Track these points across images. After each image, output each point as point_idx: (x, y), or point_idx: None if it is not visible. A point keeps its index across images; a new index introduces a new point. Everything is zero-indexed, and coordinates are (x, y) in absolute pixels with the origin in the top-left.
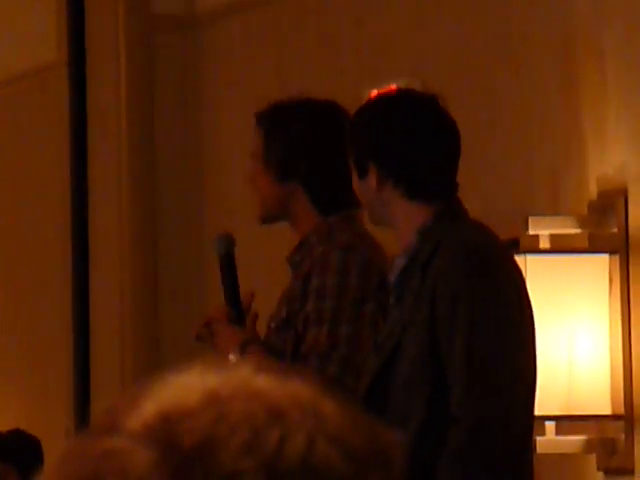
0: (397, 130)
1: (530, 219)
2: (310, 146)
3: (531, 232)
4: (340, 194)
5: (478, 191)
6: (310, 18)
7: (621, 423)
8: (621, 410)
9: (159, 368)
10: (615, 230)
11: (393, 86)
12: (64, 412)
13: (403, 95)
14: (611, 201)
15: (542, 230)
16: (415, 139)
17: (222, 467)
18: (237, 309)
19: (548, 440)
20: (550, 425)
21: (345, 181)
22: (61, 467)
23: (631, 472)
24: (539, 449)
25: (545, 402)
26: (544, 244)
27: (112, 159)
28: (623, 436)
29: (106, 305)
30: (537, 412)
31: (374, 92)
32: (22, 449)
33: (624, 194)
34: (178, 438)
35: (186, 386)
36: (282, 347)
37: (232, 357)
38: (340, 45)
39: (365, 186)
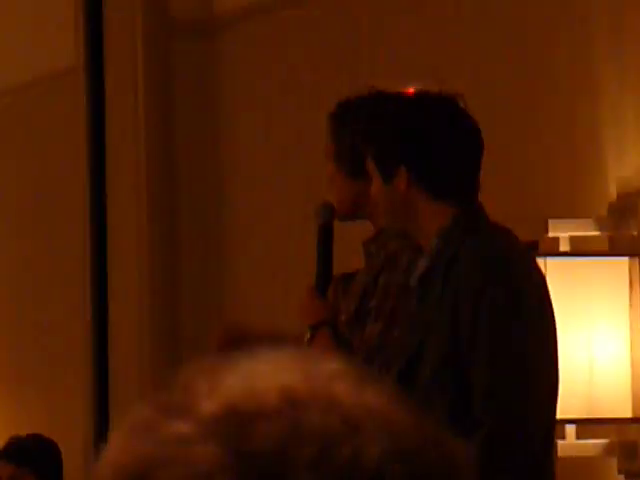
0: (427, 132)
1: (550, 222)
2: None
3: (551, 235)
4: None
5: (498, 194)
6: (328, 21)
7: None
8: None
9: (178, 370)
10: (635, 233)
11: (410, 89)
12: (83, 416)
13: (427, 97)
14: (631, 203)
15: (562, 233)
16: (444, 141)
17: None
18: (326, 282)
19: (569, 444)
20: (571, 428)
21: None
22: (126, 440)
23: None
24: (560, 453)
25: (566, 405)
26: (564, 247)
27: (130, 164)
28: None
29: (125, 307)
30: (558, 415)
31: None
32: (40, 454)
33: None
34: (249, 440)
35: (262, 378)
36: (351, 341)
37: (308, 334)
38: (357, 48)
39: (391, 189)
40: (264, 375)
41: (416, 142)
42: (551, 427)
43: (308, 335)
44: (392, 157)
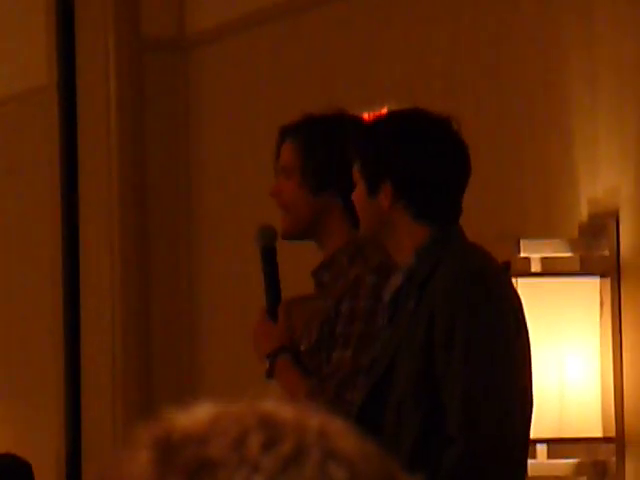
0: (417, 150)
1: (522, 242)
2: (346, 157)
3: (522, 255)
4: None
5: (470, 213)
6: (302, 39)
7: (612, 446)
8: (612, 433)
9: (150, 389)
10: (606, 253)
11: (384, 109)
12: (55, 436)
13: (420, 115)
14: (602, 224)
15: (533, 253)
16: (433, 161)
17: (205, 456)
18: (276, 305)
19: (540, 463)
20: (542, 448)
21: None
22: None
23: None
24: (531, 472)
25: (536, 425)
26: (535, 267)
27: (103, 179)
28: (614, 459)
29: (97, 327)
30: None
31: (366, 115)
32: (13, 472)
33: (615, 216)
34: (172, 437)
35: (202, 408)
36: (315, 371)
37: (266, 361)
38: (331, 67)
39: (375, 203)
40: (195, 411)
41: (405, 161)
42: (525, 446)
43: (267, 364)
44: (379, 172)
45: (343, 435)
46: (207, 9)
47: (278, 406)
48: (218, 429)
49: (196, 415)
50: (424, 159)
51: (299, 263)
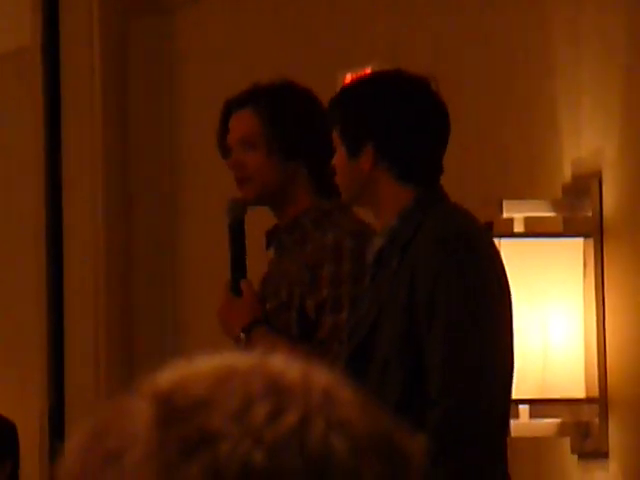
0: (398, 111)
1: (504, 202)
2: (312, 125)
3: (505, 215)
4: (332, 177)
5: (452, 174)
6: (286, 2)
7: (595, 407)
8: (595, 394)
9: (133, 353)
10: (589, 214)
11: (367, 69)
12: (38, 396)
13: (399, 76)
14: (586, 185)
15: (516, 213)
16: (415, 121)
17: (207, 427)
18: (239, 278)
19: (522, 423)
20: (524, 409)
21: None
22: (89, 421)
23: (605, 455)
24: (513, 432)
25: (519, 386)
26: (518, 228)
27: (86, 143)
28: (597, 420)
29: (80, 287)
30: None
31: (348, 77)
32: None
33: (599, 178)
34: (175, 397)
35: (206, 361)
36: (283, 329)
37: (242, 336)
38: (315, 28)
39: (356, 165)
40: (209, 361)
41: (387, 122)
42: (506, 410)
43: (243, 337)
44: (361, 134)
45: (346, 400)
46: None
47: (286, 365)
48: (223, 393)
49: (202, 372)
50: (405, 120)
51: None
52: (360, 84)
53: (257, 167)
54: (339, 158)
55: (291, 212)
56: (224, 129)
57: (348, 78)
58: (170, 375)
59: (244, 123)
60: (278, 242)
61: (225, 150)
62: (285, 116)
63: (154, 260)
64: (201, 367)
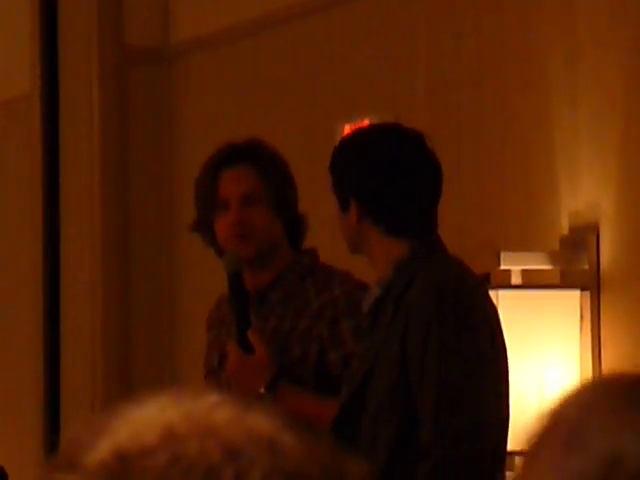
0: (379, 168)
1: (502, 254)
2: (291, 182)
3: (503, 267)
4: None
5: (451, 225)
6: (284, 52)
7: None
8: None
9: (129, 399)
10: (586, 267)
11: (366, 121)
12: (33, 438)
13: (387, 131)
14: (583, 237)
15: (514, 265)
16: (397, 178)
17: None
18: (245, 332)
19: None
20: (520, 460)
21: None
22: None
23: None
24: None
25: (515, 437)
26: (516, 279)
27: (84, 190)
28: None
29: (78, 335)
30: (508, 447)
31: (347, 128)
32: None
33: (596, 230)
34: (132, 478)
35: (145, 421)
36: (300, 384)
37: (265, 394)
38: (314, 79)
39: (346, 219)
40: (147, 417)
41: (367, 178)
42: (500, 460)
43: (266, 395)
44: (345, 189)
45: (290, 448)
46: (190, 20)
47: (231, 420)
48: (181, 465)
49: (150, 437)
50: (388, 177)
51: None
52: (349, 139)
53: (259, 223)
54: (334, 210)
55: (273, 270)
56: (213, 184)
57: (346, 130)
58: (111, 441)
59: (244, 179)
60: (260, 300)
61: (217, 205)
62: (279, 173)
63: (153, 315)
64: (143, 430)
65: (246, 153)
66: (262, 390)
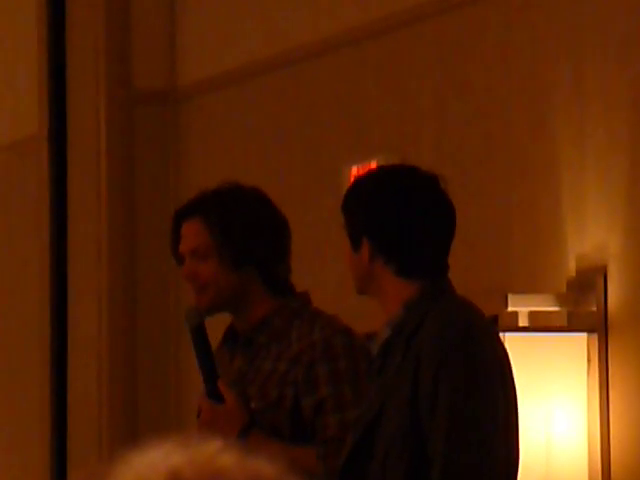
0: (395, 207)
1: (509, 296)
2: (261, 230)
3: (510, 309)
4: (287, 276)
5: (458, 267)
6: (290, 94)
7: None
8: None
9: (137, 440)
10: (594, 309)
11: (373, 163)
12: (39, 473)
13: (403, 171)
14: (590, 279)
15: (521, 307)
16: (412, 217)
17: None
18: (215, 382)
19: None
20: None
21: (287, 264)
22: None
23: None
24: None
25: (523, 479)
26: (523, 322)
27: (92, 232)
28: None
29: (84, 378)
30: None
31: (355, 169)
32: None
33: (603, 272)
34: None
35: (150, 466)
36: (272, 431)
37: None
38: (321, 120)
39: (358, 259)
40: (152, 462)
41: (381, 219)
42: None
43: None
44: (357, 230)
45: None
46: (197, 62)
47: (236, 464)
48: None
49: None
50: (401, 218)
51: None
52: (364, 178)
53: (210, 277)
54: (345, 250)
55: (256, 314)
56: (176, 238)
57: (354, 172)
58: None
59: (194, 234)
60: (247, 342)
61: (179, 259)
62: (234, 225)
63: (158, 323)
64: (148, 476)
65: (199, 205)
66: (235, 438)
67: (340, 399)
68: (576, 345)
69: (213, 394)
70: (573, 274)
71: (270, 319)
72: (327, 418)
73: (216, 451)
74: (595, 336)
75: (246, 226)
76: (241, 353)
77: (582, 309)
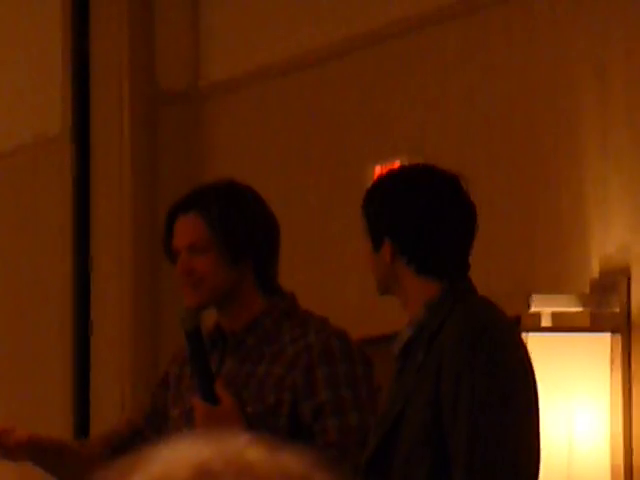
0: (414, 209)
1: (532, 297)
2: (257, 226)
3: (533, 310)
4: (276, 275)
5: (481, 268)
6: (313, 94)
7: None
8: None
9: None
10: (617, 309)
11: (396, 162)
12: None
13: (423, 172)
14: (613, 280)
15: (544, 308)
16: (432, 219)
17: None
18: (212, 385)
19: None
20: None
21: (276, 264)
22: None
23: None
24: None
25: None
26: (546, 322)
27: (115, 232)
28: None
29: (106, 377)
30: None
31: (378, 169)
32: None
33: (627, 273)
34: None
35: (177, 459)
36: (270, 435)
37: None
38: (344, 120)
39: (379, 259)
40: (180, 456)
41: (404, 219)
42: None
43: None
44: (379, 229)
45: None
46: (221, 62)
47: (265, 458)
48: None
49: (184, 474)
50: (423, 217)
51: None
52: (385, 178)
53: (207, 271)
54: (366, 251)
55: (246, 314)
56: (169, 233)
57: (377, 171)
58: (150, 476)
59: (191, 228)
60: (237, 344)
61: (172, 255)
62: (232, 219)
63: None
64: (176, 468)
65: (196, 199)
66: None
67: (340, 403)
68: (599, 346)
69: (208, 397)
70: (596, 275)
71: (261, 320)
72: (327, 423)
73: (245, 445)
74: (618, 337)
75: (245, 220)
76: (230, 355)
77: (605, 310)
